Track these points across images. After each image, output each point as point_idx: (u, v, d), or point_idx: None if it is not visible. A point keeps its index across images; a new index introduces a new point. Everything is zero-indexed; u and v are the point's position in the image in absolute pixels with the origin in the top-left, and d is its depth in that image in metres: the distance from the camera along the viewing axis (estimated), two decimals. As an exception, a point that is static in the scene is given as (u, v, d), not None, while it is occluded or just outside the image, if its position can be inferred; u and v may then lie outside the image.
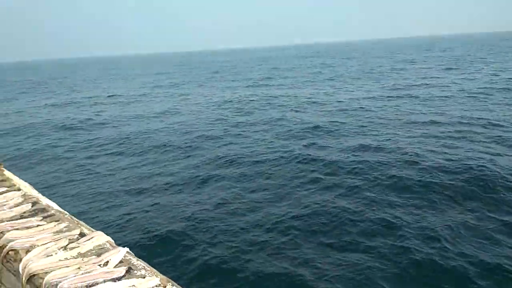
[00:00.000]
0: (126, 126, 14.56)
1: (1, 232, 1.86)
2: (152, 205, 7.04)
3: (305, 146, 10.25)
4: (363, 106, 15.80)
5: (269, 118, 14.24)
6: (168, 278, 1.71)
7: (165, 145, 11.16)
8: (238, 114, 15.81)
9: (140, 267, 1.75)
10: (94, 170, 9.36)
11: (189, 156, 9.98)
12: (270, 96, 20.13)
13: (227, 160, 9.33)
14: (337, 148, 9.80)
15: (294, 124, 12.97)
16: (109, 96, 24.51)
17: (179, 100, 21.05)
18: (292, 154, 9.43)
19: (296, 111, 15.59)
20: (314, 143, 10.41)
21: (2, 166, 2.41)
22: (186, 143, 11.22)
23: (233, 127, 13.21)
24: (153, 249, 5.54)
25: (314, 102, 17.66)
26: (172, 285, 1.66)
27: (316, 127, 12.25)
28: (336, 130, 11.89)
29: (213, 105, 18.69)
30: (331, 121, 13.11)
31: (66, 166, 9.89)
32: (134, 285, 1.61)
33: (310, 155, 9.29)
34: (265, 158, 9.33)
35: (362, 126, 12.20)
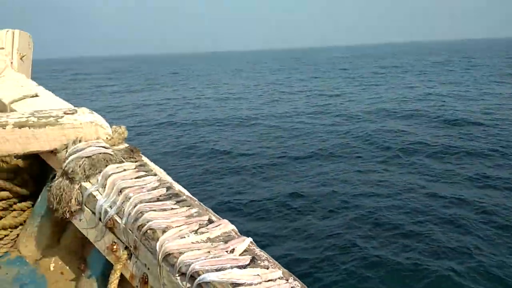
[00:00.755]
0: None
1: (141, 212, 2.17)
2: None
3: None
4: None
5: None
6: (290, 272, 1.84)
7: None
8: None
9: (263, 258, 1.91)
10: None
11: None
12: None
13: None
14: None
15: None
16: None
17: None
18: None
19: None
20: None
21: (140, 152, 2.79)
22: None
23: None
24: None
25: None
26: (294, 279, 1.77)
27: None
28: None
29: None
30: None
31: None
32: (258, 274, 1.77)
33: None
34: None
35: None
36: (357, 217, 6.45)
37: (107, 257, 2.42)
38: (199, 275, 1.76)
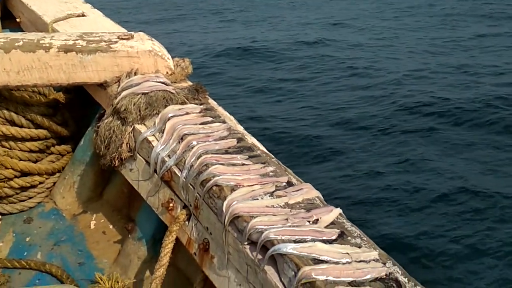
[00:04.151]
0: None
1: (206, 165, 2.34)
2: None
3: None
4: None
5: None
6: (388, 255, 1.92)
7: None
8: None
9: (356, 234, 2.00)
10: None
11: None
12: None
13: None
14: None
15: None
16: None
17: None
18: None
19: None
20: None
21: (208, 93, 2.95)
22: None
23: None
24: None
25: None
26: (394, 264, 1.86)
27: None
28: None
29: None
30: None
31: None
32: (347, 253, 1.87)
33: None
34: None
35: None
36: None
37: (160, 217, 2.64)
38: (273, 245, 1.90)
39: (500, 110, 9.11)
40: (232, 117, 2.84)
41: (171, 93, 2.83)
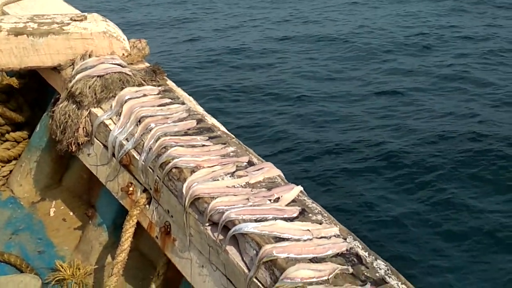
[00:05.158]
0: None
1: (165, 147, 2.32)
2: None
3: None
4: None
5: None
6: (349, 230, 1.95)
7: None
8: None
9: (316, 211, 2.02)
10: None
11: None
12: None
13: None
14: None
15: None
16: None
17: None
18: None
19: None
20: None
21: (166, 75, 2.92)
22: None
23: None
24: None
25: None
26: (354, 239, 1.89)
27: None
28: None
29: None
30: None
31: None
32: (308, 230, 1.89)
33: None
34: None
35: None
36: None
37: (120, 201, 2.62)
38: (234, 225, 1.91)
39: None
40: (191, 98, 2.82)
41: (128, 75, 2.78)
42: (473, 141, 7.48)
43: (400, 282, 1.68)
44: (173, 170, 2.23)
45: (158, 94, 2.75)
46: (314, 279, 1.67)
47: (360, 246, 1.85)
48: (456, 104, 8.76)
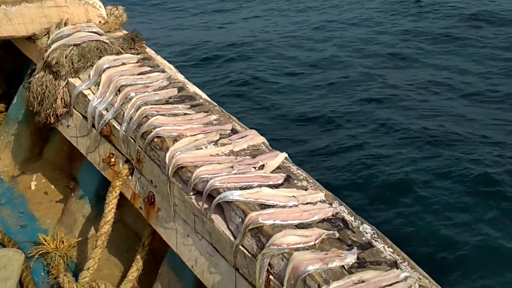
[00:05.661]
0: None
1: (146, 116, 2.28)
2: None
3: None
4: None
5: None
6: (334, 196, 1.95)
7: None
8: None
9: (301, 177, 2.02)
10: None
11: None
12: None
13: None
14: None
15: None
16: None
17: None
18: None
19: None
20: None
21: (144, 43, 2.86)
22: None
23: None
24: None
25: None
26: (340, 204, 1.89)
27: None
28: None
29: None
30: None
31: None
32: (294, 196, 1.88)
33: None
34: None
35: None
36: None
37: (102, 173, 2.59)
38: (219, 193, 1.89)
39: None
40: (172, 66, 2.77)
41: (105, 43, 2.72)
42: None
43: (386, 246, 1.69)
44: (155, 139, 2.20)
45: (137, 62, 2.70)
46: (301, 245, 1.67)
47: (346, 211, 1.85)
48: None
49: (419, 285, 1.52)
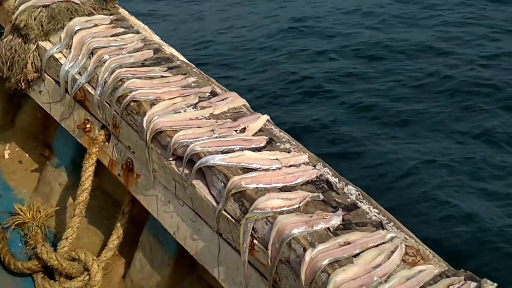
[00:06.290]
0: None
1: (120, 80, 2.22)
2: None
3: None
4: None
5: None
6: (318, 157, 1.92)
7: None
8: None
9: (284, 139, 1.98)
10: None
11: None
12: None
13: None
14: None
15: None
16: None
17: None
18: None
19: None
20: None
21: (117, 2, 2.77)
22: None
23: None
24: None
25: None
26: (324, 165, 1.86)
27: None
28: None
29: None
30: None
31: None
32: (277, 159, 1.85)
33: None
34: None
35: None
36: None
37: (78, 140, 2.53)
38: (199, 157, 1.85)
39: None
40: (146, 27, 2.69)
41: (76, 3, 2.62)
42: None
43: (371, 206, 1.67)
44: (132, 103, 2.13)
45: (110, 23, 2.61)
46: (285, 208, 1.64)
47: (330, 172, 1.83)
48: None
49: (405, 245, 1.51)
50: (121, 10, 2.77)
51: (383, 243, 1.52)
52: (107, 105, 2.25)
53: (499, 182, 5.29)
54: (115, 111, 2.21)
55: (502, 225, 4.67)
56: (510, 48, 7.99)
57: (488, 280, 1.39)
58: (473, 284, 1.38)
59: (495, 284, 1.38)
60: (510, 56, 7.83)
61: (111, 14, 2.68)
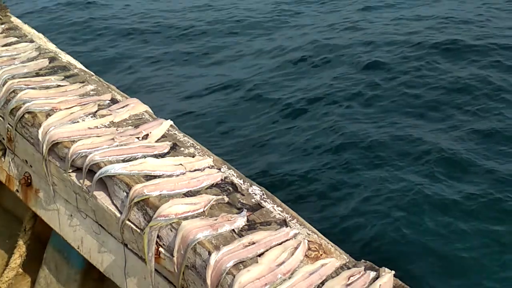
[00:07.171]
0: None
1: (14, 91, 2.14)
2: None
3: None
4: None
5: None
6: (223, 160, 1.93)
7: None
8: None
9: (188, 144, 1.98)
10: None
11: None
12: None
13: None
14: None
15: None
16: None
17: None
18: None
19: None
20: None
21: (9, 11, 2.67)
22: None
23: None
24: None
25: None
26: (229, 168, 1.87)
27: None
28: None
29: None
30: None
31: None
32: (181, 164, 1.84)
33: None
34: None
35: None
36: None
37: None
38: (100, 167, 1.81)
39: None
40: (41, 35, 2.60)
41: (-38, 13, 2.51)
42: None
43: (275, 205, 1.70)
44: (26, 115, 2.06)
45: (1, 33, 2.52)
46: (190, 213, 1.63)
47: (234, 174, 1.84)
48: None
49: (308, 241, 1.54)
50: (14, 18, 2.68)
51: (287, 240, 1.54)
52: (0, 118, 2.16)
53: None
54: (9, 124, 2.12)
55: (399, 216, 4.79)
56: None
57: (386, 269, 1.44)
58: (373, 273, 1.43)
59: (393, 272, 1.43)
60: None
61: (2, 23, 2.59)
